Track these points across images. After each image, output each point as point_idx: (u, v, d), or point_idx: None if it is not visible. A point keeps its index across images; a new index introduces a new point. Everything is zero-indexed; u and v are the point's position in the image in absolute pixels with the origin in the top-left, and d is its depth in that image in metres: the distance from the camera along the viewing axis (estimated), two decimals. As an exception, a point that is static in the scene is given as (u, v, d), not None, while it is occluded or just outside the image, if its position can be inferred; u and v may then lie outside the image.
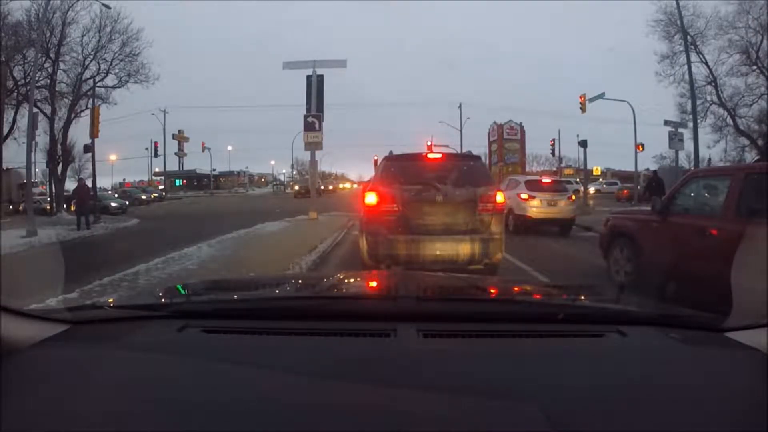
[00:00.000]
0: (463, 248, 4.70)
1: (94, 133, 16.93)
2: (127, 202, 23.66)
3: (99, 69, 20.57)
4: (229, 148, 63.55)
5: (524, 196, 10.29)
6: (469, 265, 4.69)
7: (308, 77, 13.26)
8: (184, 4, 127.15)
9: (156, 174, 47.37)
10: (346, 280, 1.80)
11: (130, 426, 0.69)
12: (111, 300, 1.30)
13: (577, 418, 0.71)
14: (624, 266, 5.20)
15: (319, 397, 0.75)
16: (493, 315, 1.11)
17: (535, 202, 10.21)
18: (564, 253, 8.19)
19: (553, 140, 35.02)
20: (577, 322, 1.08)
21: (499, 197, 4.96)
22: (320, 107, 13.37)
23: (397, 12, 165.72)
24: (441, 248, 4.70)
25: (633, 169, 24.25)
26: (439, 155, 5.52)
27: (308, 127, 13.16)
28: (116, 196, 27.43)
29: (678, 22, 18.99)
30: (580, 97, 24.05)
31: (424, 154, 5.82)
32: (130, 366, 0.86)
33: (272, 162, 77.58)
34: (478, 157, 6.07)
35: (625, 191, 19.21)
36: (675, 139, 17.97)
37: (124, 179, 54.78)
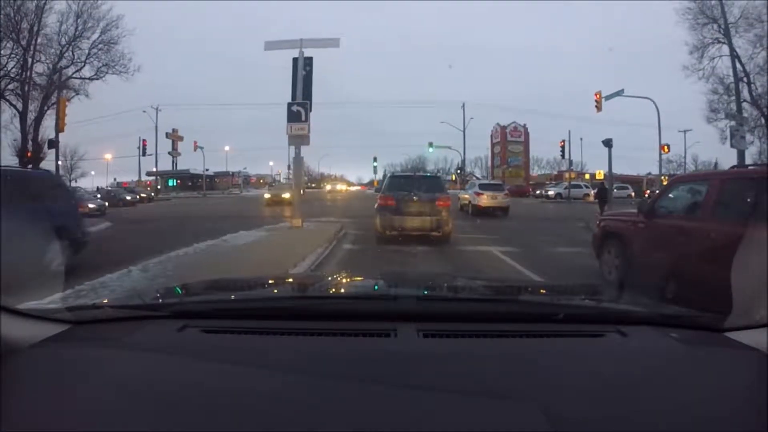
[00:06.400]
0: (428, 222, 8.64)
1: (59, 126, 15.26)
2: (107, 204, 21.85)
3: (74, 58, 18.95)
4: (227, 148, 61.46)
5: (477, 192, 16.81)
6: (431, 232, 8.61)
7: (294, 60, 10.75)
8: (185, 4, 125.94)
9: (150, 174, 45.63)
10: (346, 281, 1.80)
11: (130, 426, 0.69)
12: (111, 300, 1.32)
13: (577, 418, 0.71)
14: (614, 265, 5.52)
15: (319, 397, 0.75)
16: (494, 315, 1.11)
17: (484, 197, 16.54)
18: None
19: (563, 141, 33.04)
20: (577, 322, 1.08)
21: (447, 199, 9.02)
22: (308, 94, 10.73)
23: (398, 11, 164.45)
24: (417, 221, 8.67)
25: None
26: (419, 174, 10.57)
27: (292, 117, 10.43)
28: (98, 196, 25.47)
29: (707, 11, 17.22)
30: (596, 95, 22.49)
31: (411, 174, 11.49)
32: (130, 366, 0.87)
33: (271, 163, 75.83)
34: (438, 176, 11.99)
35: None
36: (737, 136, 15.25)
37: (115, 179, 53.11)
